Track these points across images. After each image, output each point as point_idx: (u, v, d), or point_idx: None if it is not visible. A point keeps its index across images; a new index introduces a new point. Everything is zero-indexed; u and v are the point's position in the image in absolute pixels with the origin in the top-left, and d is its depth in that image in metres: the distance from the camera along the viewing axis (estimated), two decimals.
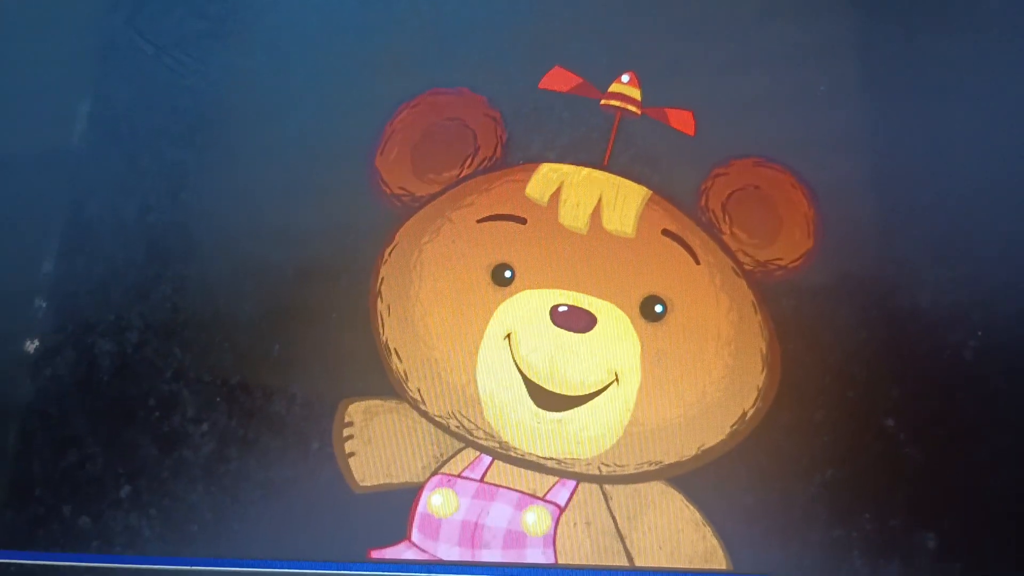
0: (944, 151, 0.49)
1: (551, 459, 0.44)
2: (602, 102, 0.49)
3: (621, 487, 0.44)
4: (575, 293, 0.46)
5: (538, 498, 0.44)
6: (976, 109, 0.49)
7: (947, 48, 0.50)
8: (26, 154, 0.50)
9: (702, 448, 0.44)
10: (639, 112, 0.49)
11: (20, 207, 0.49)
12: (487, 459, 0.44)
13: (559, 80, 0.50)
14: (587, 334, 0.45)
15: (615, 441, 0.44)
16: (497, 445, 0.44)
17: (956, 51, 0.50)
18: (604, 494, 0.44)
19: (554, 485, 0.44)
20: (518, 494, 0.44)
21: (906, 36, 0.50)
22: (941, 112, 0.49)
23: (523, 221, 0.47)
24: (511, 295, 0.46)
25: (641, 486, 0.44)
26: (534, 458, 0.44)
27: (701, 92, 0.50)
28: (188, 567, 0.43)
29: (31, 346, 0.46)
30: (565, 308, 0.45)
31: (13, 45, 0.52)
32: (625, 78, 0.50)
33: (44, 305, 0.47)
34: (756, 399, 0.45)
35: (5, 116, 0.51)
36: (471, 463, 0.44)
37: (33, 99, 0.51)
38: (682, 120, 0.49)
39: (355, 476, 0.44)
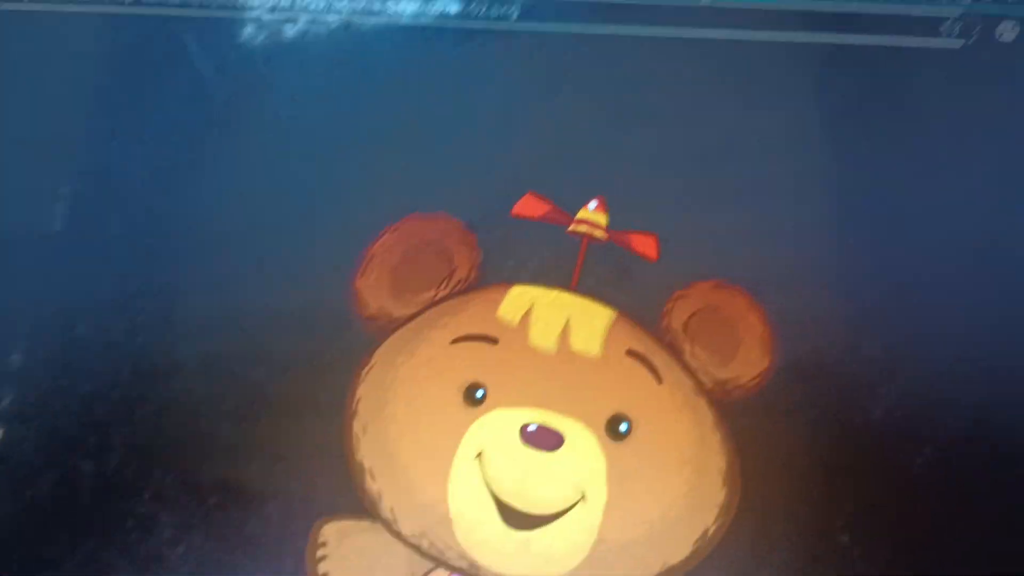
0: (902, 269, 0.51)
1: None
2: (569, 228, 0.52)
3: None
4: (544, 411, 0.47)
5: None
6: (939, 221, 0.52)
7: (907, 173, 0.53)
8: (16, 269, 0.52)
9: (666, 565, 0.46)
10: (605, 237, 0.52)
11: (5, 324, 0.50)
12: None
13: (530, 207, 0.52)
14: (555, 453, 0.47)
15: (581, 559, 0.46)
16: (467, 565, 0.46)
17: (918, 180, 0.53)
18: None
19: None
20: None
21: (869, 165, 0.54)
22: (896, 235, 0.52)
23: (495, 341, 0.49)
24: (482, 414, 0.47)
25: None
26: None
27: (666, 216, 0.52)
28: None
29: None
30: (534, 427, 0.47)
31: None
32: (592, 205, 0.52)
33: (28, 425, 0.48)
34: (717, 516, 0.46)
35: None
36: None
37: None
38: (645, 245, 0.52)
39: None
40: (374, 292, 0.50)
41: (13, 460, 0.48)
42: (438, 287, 0.50)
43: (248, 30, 0.57)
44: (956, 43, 0.56)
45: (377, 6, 0.57)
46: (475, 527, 0.46)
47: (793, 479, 0.47)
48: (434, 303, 0.50)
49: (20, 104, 0.56)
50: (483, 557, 0.46)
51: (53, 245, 0.52)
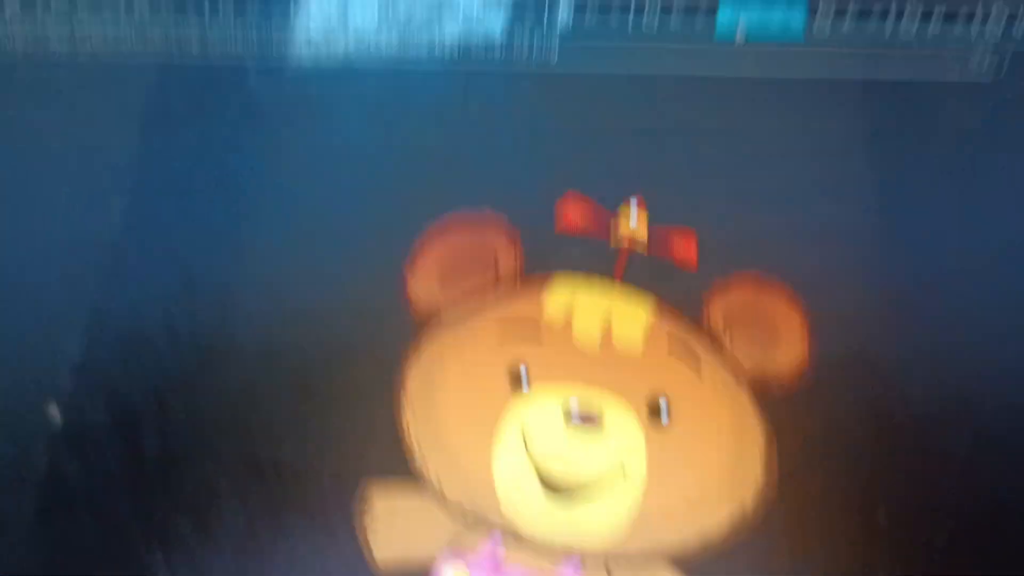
0: (940, 258, 0.53)
1: (559, 544, 0.46)
2: (612, 242, 0.54)
3: (625, 569, 0.46)
4: (586, 389, 0.49)
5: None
6: (977, 214, 0.53)
7: (949, 154, 0.55)
8: (89, 268, 0.55)
9: (704, 540, 0.46)
10: (646, 252, 0.54)
11: (83, 315, 0.54)
12: (499, 537, 0.46)
13: (574, 220, 0.55)
14: (597, 431, 0.48)
15: (622, 533, 0.46)
16: (509, 530, 0.47)
17: (959, 159, 0.55)
18: (608, 572, 0.46)
19: (562, 562, 0.46)
20: (530, 572, 0.46)
21: (916, 174, 0.55)
22: (940, 218, 0.54)
23: (540, 340, 0.50)
24: (526, 394, 0.49)
25: (646, 564, 0.46)
26: (543, 542, 0.46)
27: (705, 213, 0.54)
28: None
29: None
30: (576, 404, 0.48)
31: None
32: (633, 214, 0.55)
33: (97, 408, 0.51)
34: (755, 495, 0.47)
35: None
36: (484, 540, 0.46)
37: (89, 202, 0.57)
38: (686, 254, 0.54)
39: (375, 552, 0.46)
40: (423, 284, 0.53)
41: (86, 439, 0.50)
42: (483, 280, 0.52)
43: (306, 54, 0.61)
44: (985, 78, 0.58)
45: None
46: (518, 499, 0.47)
47: (831, 464, 0.48)
48: (481, 298, 0.52)
49: (84, 117, 0.60)
50: (526, 527, 0.47)
51: (123, 242, 0.56)
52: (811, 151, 0.58)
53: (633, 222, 0.55)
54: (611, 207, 0.55)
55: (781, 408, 0.49)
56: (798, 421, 0.49)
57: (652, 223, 0.54)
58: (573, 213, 0.55)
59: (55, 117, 0.60)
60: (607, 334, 0.51)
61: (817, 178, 0.57)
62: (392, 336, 0.51)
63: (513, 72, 0.61)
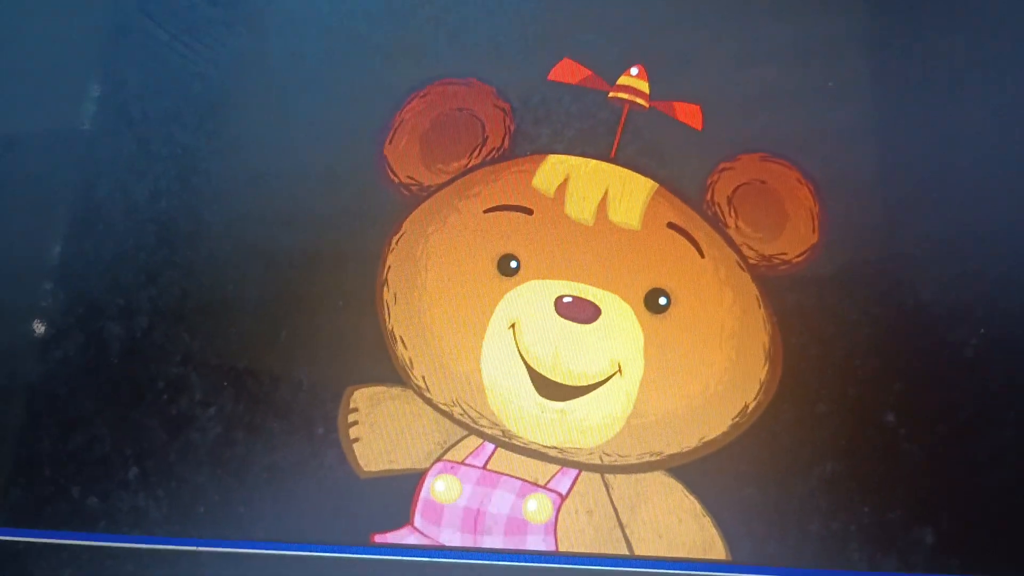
0: (950, 148, 0.49)
1: (553, 448, 0.45)
2: (610, 94, 0.49)
3: (622, 477, 0.44)
4: (580, 284, 0.46)
5: (540, 486, 0.44)
6: (984, 107, 0.50)
7: (955, 45, 0.51)
8: (36, 136, 0.50)
9: (703, 440, 0.45)
10: (647, 105, 0.49)
11: (30, 188, 0.49)
12: (490, 447, 0.45)
13: (568, 72, 0.50)
14: (591, 325, 0.45)
15: (617, 431, 0.45)
16: (500, 433, 0.45)
17: (963, 48, 0.50)
18: (605, 483, 0.44)
19: (556, 474, 0.45)
20: (520, 482, 0.44)
21: (914, 32, 0.51)
22: (948, 109, 0.49)
23: (529, 212, 0.47)
24: (516, 285, 0.46)
25: (642, 476, 0.44)
26: (536, 447, 0.45)
27: (709, 86, 0.50)
28: (194, 547, 0.44)
29: (39, 327, 0.47)
30: (570, 299, 0.46)
31: (25, 25, 0.53)
32: (634, 71, 0.50)
33: (53, 287, 0.48)
34: (758, 392, 0.45)
35: (15, 96, 0.51)
36: (474, 451, 0.45)
37: (43, 81, 0.51)
38: (689, 114, 0.49)
39: (359, 462, 0.44)
40: (403, 159, 0.48)
41: (41, 322, 0.47)
42: (470, 156, 0.48)
43: None
44: None
45: None
46: (508, 396, 0.45)
47: (838, 357, 0.46)
48: (466, 172, 0.48)
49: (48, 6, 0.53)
50: (516, 426, 0.45)
51: (69, 108, 0.51)
52: (825, 33, 0.52)
53: (635, 72, 0.50)
54: (610, 76, 0.50)
55: (787, 298, 0.46)
56: (805, 313, 0.46)
57: (652, 95, 0.50)
58: (568, 72, 0.50)
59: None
60: (602, 210, 0.47)
61: (830, 60, 0.51)
62: (372, 225, 0.47)
63: None
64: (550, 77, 0.50)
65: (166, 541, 0.44)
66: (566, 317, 0.45)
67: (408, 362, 0.45)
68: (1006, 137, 0.49)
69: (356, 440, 0.45)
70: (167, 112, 0.50)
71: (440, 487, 0.44)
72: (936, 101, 0.50)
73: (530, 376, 0.45)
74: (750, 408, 0.45)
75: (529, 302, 0.46)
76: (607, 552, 0.44)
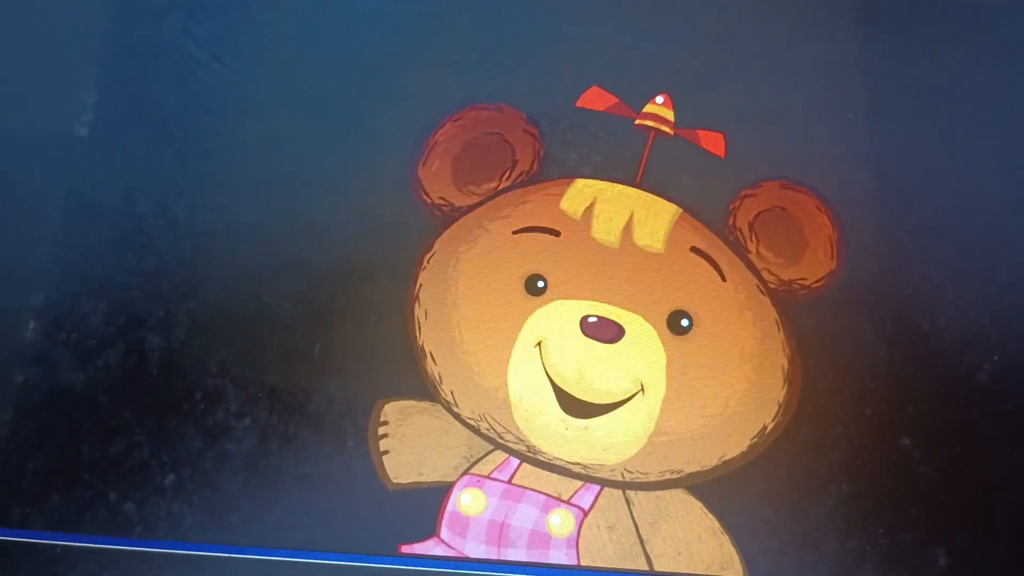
0: (968, 176, 0.50)
1: (576, 464, 0.46)
2: (636, 122, 0.51)
3: (643, 493, 0.46)
4: (605, 305, 0.47)
5: (563, 501, 0.45)
6: (1005, 135, 0.51)
7: (973, 72, 0.52)
8: (82, 151, 0.52)
9: (723, 459, 0.46)
10: (672, 133, 0.51)
11: (74, 203, 0.51)
12: (515, 462, 0.46)
13: (596, 99, 0.51)
14: (615, 345, 0.47)
15: (639, 449, 0.46)
16: (525, 448, 0.46)
17: (983, 74, 0.52)
18: (627, 500, 0.45)
19: (579, 489, 0.46)
20: (544, 496, 0.45)
21: (933, 61, 0.52)
22: (967, 137, 0.51)
23: (557, 233, 0.48)
24: (543, 304, 0.47)
25: (663, 493, 0.45)
26: (560, 462, 0.46)
27: (733, 114, 0.51)
28: (227, 554, 0.45)
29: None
30: (595, 319, 0.47)
31: (70, 45, 0.55)
32: (659, 99, 0.51)
33: (96, 298, 0.49)
34: (776, 413, 0.46)
35: (59, 113, 0.53)
36: (500, 465, 0.46)
37: (89, 98, 0.53)
38: (713, 142, 0.51)
39: (388, 474, 0.46)
40: (436, 181, 0.50)
41: (83, 331, 0.49)
42: (500, 178, 0.50)
43: None
44: None
45: None
46: (534, 413, 0.46)
47: (855, 380, 0.47)
48: (496, 194, 0.50)
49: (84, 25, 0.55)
50: (541, 442, 0.46)
51: (112, 125, 0.52)
52: (846, 63, 0.53)
53: (660, 100, 0.51)
54: (636, 103, 0.52)
55: (806, 322, 0.48)
56: (823, 337, 0.47)
57: (677, 123, 0.51)
58: (596, 99, 0.52)
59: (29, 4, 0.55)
60: (628, 233, 0.48)
61: (851, 89, 0.53)
62: (404, 242, 0.49)
63: None
64: (579, 104, 0.51)
65: (200, 548, 0.45)
66: (591, 336, 0.47)
67: (437, 377, 0.47)
68: None
69: (386, 452, 0.46)
70: (207, 130, 0.52)
71: (466, 500, 0.45)
72: (955, 129, 0.51)
73: (555, 393, 0.46)
74: (768, 429, 0.46)
75: (555, 321, 0.47)
76: (628, 567, 0.45)
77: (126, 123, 0.52)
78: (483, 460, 0.46)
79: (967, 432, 0.46)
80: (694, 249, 0.48)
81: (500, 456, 0.46)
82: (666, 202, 0.49)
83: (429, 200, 0.50)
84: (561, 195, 0.49)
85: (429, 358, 0.47)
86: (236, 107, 0.52)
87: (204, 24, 0.54)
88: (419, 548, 0.45)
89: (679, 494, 0.45)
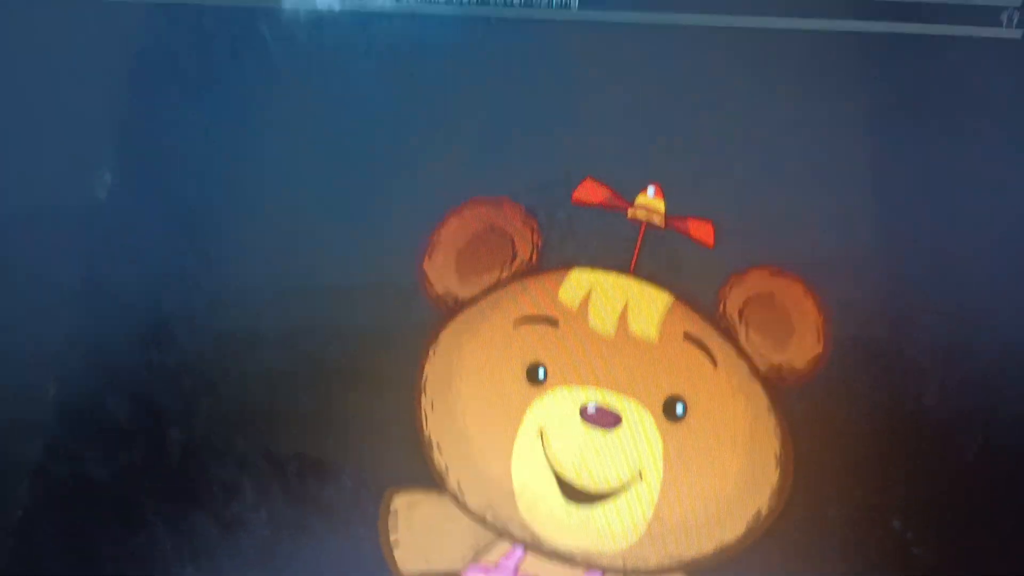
0: (954, 259, 0.52)
1: (579, 551, 0.47)
2: (628, 214, 0.53)
3: None
4: (603, 391, 0.49)
5: None
6: (991, 220, 0.53)
7: (969, 149, 0.54)
8: (96, 229, 0.54)
9: (720, 544, 0.47)
10: (663, 225, 0.53)
11: (103, 302, 0.53)
12: (520, 551, 0.47)
13: (590, 193, 0.54)
14: (613, 431, 0.48)
15: (639, 536, 0.47)
16: (529, 537, 0.48)
17: (978, 151, 0.54)
18: None
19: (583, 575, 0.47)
20: None
21: (923, 148, 0.54)
22: (953, 221, 0.53)
23: (555, 323, 0.51)
24: (543, 393, 0.49)
25: None
26: (563, 550, 0.47)
27: (723, 203, 0.53)
28: None
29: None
30: (593, 407, 0.49)
31: (90, 113, 0.57)
32: (650, 191, 0.54)
33: (120, 394, 0.51)
34: (770, 497, 0.48)
35: (72, 184, 0.55)
36: (506, 554, 0.47)
37: (90, 169, 0.55)
38: (702, 230, 0.53)
39: (398, 564, 0.47)
40: (440, 274, 0.52)
41: (108, 427, 0.50)
42: (501, 270, 0.52)
43: (310, 19, 0.58)
44: (1016, 33, 0.56)
45: None
46: (537, 502, 0.48)
47: (846, 463, 0.48)
48: (497, 285, 0.52)
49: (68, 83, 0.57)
50: (544, 530, 0.48)
51: (134, 221, 0.55)
52: (832, 114, 0.55)
53: (651, 194, 0.54)
54: (629, 191, 0.54)
55: (796, 406, 0.49)
56: (813, 421, 0.49)
57: (668, 211, 0.53)
58: (590, 193, 0.54)
59: (42, 64, 0.57)
60: (623, 322, 0.50)
61: (837, 157, 0.55)
62: (411, 327, 0.51)
63: (531, 18, 0.58)
64: (574, 198, 0.54)
65: None
66: (590, 423, 0.49)
67: (444, 468, 0.49)
68: (1016, 248, 0.52)
69: (395, 543, 0.48)
70: (220, 226, 0.54)
71: None
72: (941, 213, 0.53)
73: (557, 481, 0.48)
74: (763, 513, 0.48)
75: (555, 409, 0.49)
76: None
77: (149, 218, 0.54)
78: (490, 548, 0.47)
79: (958, 512, 0.47)
80: (686, 336, 0.50)
81: (506, 545, 0.48)
82: (659, 290, 0.51)
83: (434, 293, 0.52)
84: (559, 285, 0.51)
85: (436, 449, 0.49)
86: (250, 200, 0.54)
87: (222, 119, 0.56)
88: None
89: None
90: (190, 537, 0.48)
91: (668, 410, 0.49)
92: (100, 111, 0.56)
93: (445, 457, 0.49)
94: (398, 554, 0.47)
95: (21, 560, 0.48)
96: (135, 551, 0.48)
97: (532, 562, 0.47)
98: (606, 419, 0.49)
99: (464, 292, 0.52)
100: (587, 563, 0.47)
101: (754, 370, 0.50)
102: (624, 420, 0.48)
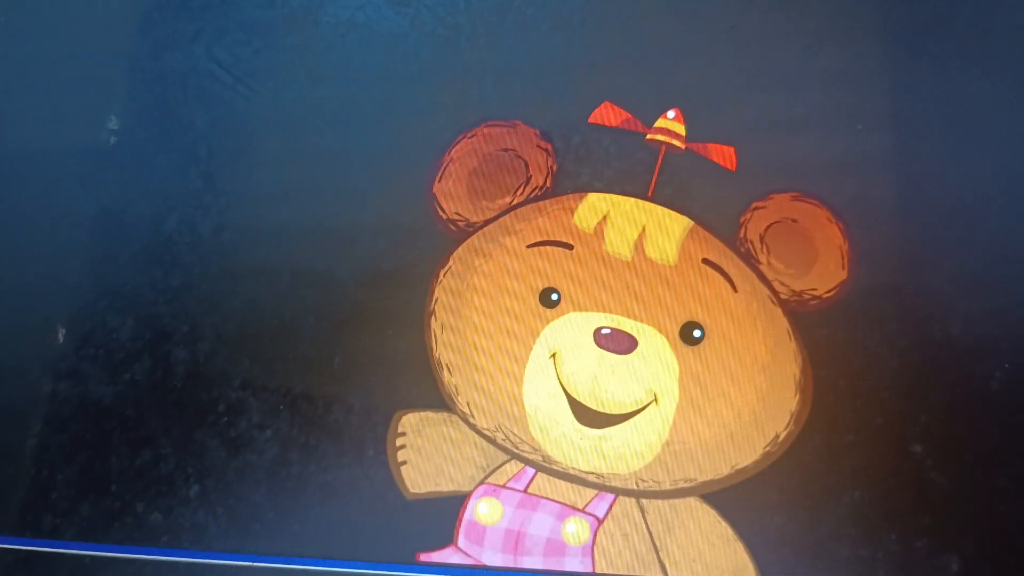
0: (979, 186, 0.50)
1: (591, 473, 0.47)
2: (648, 136, 0.52)
3: (657, 502, 0.46)
4: (618, 316, 0.48)
5: (578, 510, 0.46)
6: (1013, 142, 0.51)
7: (984, 83, 0.52)
8: (107, 166, 0.53)
9: (736, 467, 0.46)
10: (683, 147, 0.51)
11: (104, 223, 0.53)
12: (531, 471, 0.47)
13: (608, 115, 0.52)
14: (628, 356, 0.47)
15: (652, 458, 0.46)
16: (541, 458, 0.47)
17: (993, 86, 0.52)
18: (641, 508, 0.46)
19: (594, 498, 0.46)
20: (559, 505, 0.46)
21: (948, 72, 0.52)
22: (977, 146, 0.51)
23: (570, 247, 0.49)
24: (557, 317, 0.48)
25: (676, 501, 0.46)
26: (575, 472, 0.47)
27: (744, 127, 0.52)
28: (250, 563, 0.46)
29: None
30: (608, 331, 0.48)
31: (103, 69, 0.56)
32: (671, 114, 0.52)
33: (124, 314, 0.51)
34: (789, 422, 0.47)
35: (91, 135, 0.55)
36: (516, 475, 0.47)
37: (107, 114, 0.55)
38: (724, 155, 0.51)
39: (406, 483, 0.47)
40: (451, 197, 0.51)
41: (112, 346, 0.50)
42: (514, 194, 0.51)
43: None
44: None
45: None
46: (548, 423, 0.47)
47: (867, 389, 0.47)
48: (510, 209, 0.51)
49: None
50: (556, 452, 0.47)
51: (141, 146, 0.54)
52: (853, 50, 0.54)
53: (671, 116, 0.52)
54: (648, 117, 0.52)
55: (817, 332, 0.48)
56: (834, 347, 0.48)
57: (688, 137, 0.52)
58: (608, 115, 0.53)
59: (57, 17, 0.57)
60: (640, 246, 0.49)
61: (860, 90, 0.53)
62: (420, 256, 0.50)
63: None
64: (591, 120, 0.52)
65: (224, 556, 0.46)
66: (605, 348, 0.48)
67: (454, 389, 0.48)
68: None
69: (404, 463, 0.47)
70: (231, 150, 0.53)
71: (483, 509, 0.46)
72: (964, 139, 0.51)
73: (569, 404, 0.47)
74: (781, 437, 0.47)
75: (569, 333, 0.48)
76: (642, 575, 0.45)
77: (154, 144, 0.54)
78: (499, 470, 0.47)
79: (979, 439, 0.46)
80: (706, 261, 0.49)
81: (516, 466, 0.47)
82: (678, 215, 0.50)
83: (445, 215, 0.51)
84: (574, 209, 0.50)
85: (446, 370, 0.48)
86: (258, 127, 0.54)
87: (228, 49, 0.55)
88: (437, 556, 0.46)
89: (693, 502, 0.46)
90: (197, 457, 0.48)
91: (685, 335, 0.48)
92: (115, 56, 0.55)
93: (455, 379, 0.48)
94: (407, 475, 0.47)
95: (35, 483, 0.48)
96: (142, 471, 0.48)
97: (542, 484, 0.47)
98: (621, 343, 0.48)
99: (476, 216, 0.51)
100: (599, 485, 0.47)
101: (774, 295, 0.48)
102: (640, 344, 0.47)
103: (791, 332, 0.48)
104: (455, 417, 0.47)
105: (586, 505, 0.46)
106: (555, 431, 0.47)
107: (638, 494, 0.46)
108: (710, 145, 0.51)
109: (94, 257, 0.52)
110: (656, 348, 0.47)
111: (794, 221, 0.50)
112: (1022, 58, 0.52)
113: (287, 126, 0.54)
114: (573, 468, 0.47)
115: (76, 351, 0.50)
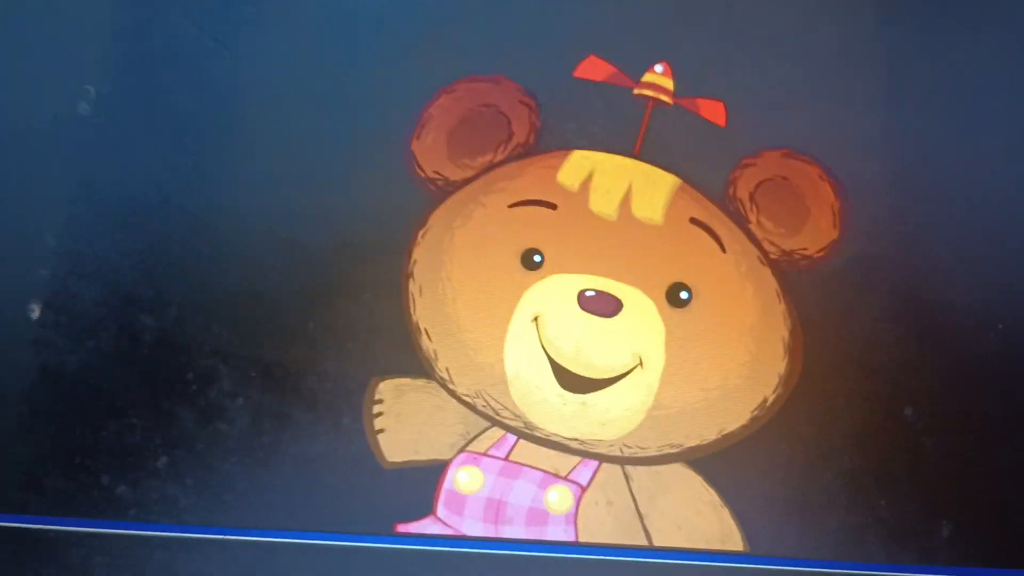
0: (973, 148, 0.49)
1: (574, 440, 0.45)
2: (635, 91, 0.50)
3: (642, 468, 0.45)
4: (603, 278, 0.47)
5: (561, 477, 0.45)
6: (1007, 104, 0.50)
7: (978, 45, 0.51)
8: (74, 129, 0.51)
9: (723, 432, 0.45)
10: (671, 102, 0.50)
11: (65, 181, 0.50)
12: (512, 439, 0.46)
13: (594, 69, 0.50)
14: (613, 319, 0.46)
15: (637, 424, 0.45)
16: (522, 425, 0.46)
17: (987, 47, 0.51)
18: (625, 475, 0.45)
19: (577, 465, 0.45)
20: (541, 473, 0.45)
21: (937, 32, 0.51)
22: (971, 106, 0.50)
23: (553, 207, 0.48)
24: (540, 279, 0.47)
25: (661, 468, 0.45)
26: (558, 438, 0.45)
27: (733, 83, 0.50)
28: (222, 536, 0.45)
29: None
30: (592, 293, 0.46)
31: (69, 27, 0.54)
32: (659, 68, 0.50)
33: (87, 279, 0.49)
34: (777, 386, 0.46)
35: (57, 92, 0.52)
36: (496, 442, 0.45)
37: (83, 78, 0.52)
38: (713, 111, 0.50)
39: (384, 452, 0.45)
40: (430, 155, 0.49)
41: (75, 312, 0.48)
42: (495, 151, 0.49)
43: None
44: None
45: None
46: (530, 388, 0.46)
47: (858, 352, 0.46)
48: (491, 167, 0.49)
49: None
50: (538, 418, 0.46)
51: (105, 103, 0.52)
52: (847, 32, 0.52)
53: (659, 71, 0.50)
54: (635, 72, 0.51)
55: (808, 293, 0.47)
56: (826, 309, 0.47)
57: (677, 92, 0.50)
58: (593, 69, 0.51)
59: None
60: (626, 205, 0.48)
61: (854, 44, 0.51)
62: (397, 217, 0.48)
63: None
64: (576, 74, 0.50)
65: (195, 529, 0.45)
66: (589, 311, 0.46)
67: (432, 354, 0.46)
68: None
69: (381, 431, 0.46)
70: (200, 108, 0.51)
71: (463, 478, 0.45)
72: (958, 98, 0.50)
73: (552, 368, 0.46)
74: (769, 401, 0.45)
75: (552, 295, 0.46)
76: (626, 543, 0.44)
77: (126, 106, 0.52)
78: (479, 437, 0.45)
79: (970, 404, 0.45)
80: (693, 220, 0.47)
81: (497, 433, 0.46)
82: (665, 173, 0.48)
83: (423, 174, 0.49)
84: (558, 167, 0.48)
85: (424, 335, 0.47)
86: (228, 86, 0.52)
87: (202, 6, 0.53)
88: (415, 527, 0.45)
89: (678, 468, 0.45)
90: (165, 427, 0.46)
91: (672, 296, 0.46)
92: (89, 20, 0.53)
93: (434, 343, 0.46)
94: (384, 443, 0.45)
95: None
96: (107, 441, 0.46)
97: (524, 451, 0.45)
98: (606, 306, 0.46)
99: (455, 174, 0.49)
100: (583, 452, 0.45)
101: (764, 255, 0.47)
102: (625, 307, 0.46)
103: (780, 293, 0.47)
104: (434, 383, 0.46)
105: (569, 472, 0.45)
106: (537, 396, 0.46)
107: (622, 460, 0.45)
108: (698, 100, 0.50)
109: (54, 220, 0.50)
110: (642, 311, 0.46)
111: (784, 179, 0.48)
112: (1020, 27, 0.51)
113: (257, 82, 0.51)
114: (556, 434, 0.45)
115: (39, 319, 0.48)
